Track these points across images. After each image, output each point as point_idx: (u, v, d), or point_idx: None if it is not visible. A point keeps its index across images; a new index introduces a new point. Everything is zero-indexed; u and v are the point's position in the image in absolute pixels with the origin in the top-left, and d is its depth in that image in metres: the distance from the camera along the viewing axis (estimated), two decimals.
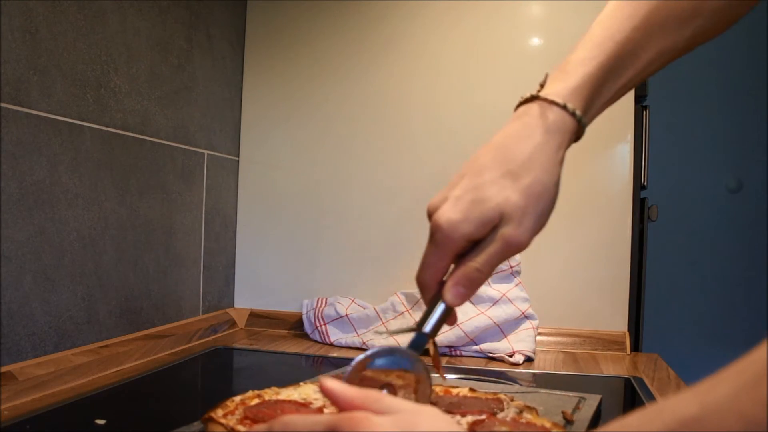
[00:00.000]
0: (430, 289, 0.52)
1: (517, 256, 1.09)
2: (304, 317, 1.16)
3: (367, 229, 1.21)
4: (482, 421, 0.53)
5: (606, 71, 0.52)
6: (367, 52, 1.21)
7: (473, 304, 1.07)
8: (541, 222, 0.50)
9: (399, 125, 1.20)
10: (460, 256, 0.51)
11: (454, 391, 0.65)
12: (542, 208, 0.50)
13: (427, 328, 0.51)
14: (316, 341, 1.12)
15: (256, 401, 0.59)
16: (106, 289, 0.89)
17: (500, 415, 0.56)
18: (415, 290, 1.12)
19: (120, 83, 0.91)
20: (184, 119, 1.07)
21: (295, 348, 1.06)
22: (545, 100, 0.51)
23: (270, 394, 0.61)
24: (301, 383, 0.66)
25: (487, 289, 1.07)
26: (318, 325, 1.12)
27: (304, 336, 1.16)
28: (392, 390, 0.49)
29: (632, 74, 0.54)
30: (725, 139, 2.28)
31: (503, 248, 0.49)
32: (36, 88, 0.75)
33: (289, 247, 1.24)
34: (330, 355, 1.03)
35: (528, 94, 0.53)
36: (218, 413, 0.55)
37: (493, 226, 0.49)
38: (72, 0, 0.81)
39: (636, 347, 1.11)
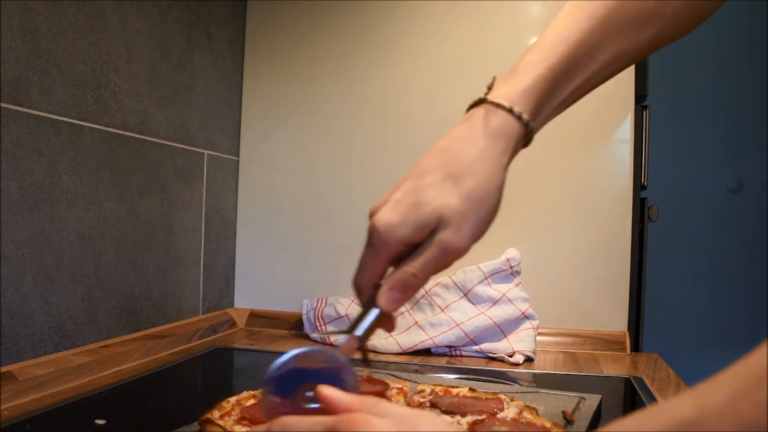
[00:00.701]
0: (366, 292, 0.51)
1: (518, 256, 1.09)
2: (304, 317, 1.16)
3: (367, 228, 1.21)
4: (482, 421, 0.53)
5: (558, 73, 0.50)
6: (368, 52, 1.21)
7: (473, 304, 1.07)
8: (481, 228, 0.49)
9: (399, 125, 1.20)
10: (398, 260, 0.49)
11: (454, 390, 0.65)
12: (483, 214, 0.48)
13: (359, 331, 0.49)
14: (316, 341, 1.12)
15: (252, 402, 0.59)
16: (106, 289, 0.89)
17: (500, 415, 0.56)
18: None
19: (120, 83, 0.91)
20: (184, 119, 1.07)
21: (295, 348, 1.06)
22: (491, 103, 0.49)
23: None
24: None
25: (487, 289, 1.07)
26: (318, 325, 1.12)
27: (304, 336, 1.16)
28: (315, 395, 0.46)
29: (587, 76, 0.53)
30: (725, 139, 2.28)
31: (440, 253, 0.47)
32: (36, 88, 0.75)
33: (289, 247, 1.24)
34: None
35: (478, 97, 0.51)
36: (215, 414, 0.55)
37: (431, 230, 0.47)
38: (72, 0, 0.81)
39: (636, 347, 1.11)
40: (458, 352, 1.04)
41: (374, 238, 0.49)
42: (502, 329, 1.03)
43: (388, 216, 0.48)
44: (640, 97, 1.12)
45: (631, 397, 0.82)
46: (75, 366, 0.80)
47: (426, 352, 1.04)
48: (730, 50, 2.26)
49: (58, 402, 0.69)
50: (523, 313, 1.04)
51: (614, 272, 1.10)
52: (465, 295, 1.08)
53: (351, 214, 1.22)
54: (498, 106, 0.49)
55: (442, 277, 1.11)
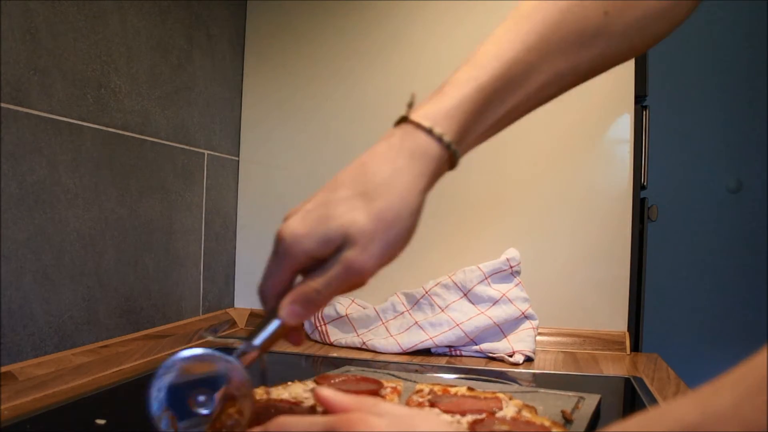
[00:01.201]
0: (269, 301, 0.49)
1: (518, 256, 1.09)
2: None
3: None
4: (482, 420, 0.54)
5: (488, 93, 0.47)
6: (368, 52, 1.21)
7: (473, 304, 1.07)
8: (389, 252, 0.47)
9: None
10: (307, 272, 0.47)
11: (453, 390, 0.65)
12: (392, 236, 0.46)
13: (258, 341, 0.47)
14: (316, 341, 1.12)
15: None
16: (106, 289, 0.89)
17: (499, 414, 0.56)
18: (415, 290, 1.12)
19: (120, 83, 0.91)
20: (184, 119, 1.07)
21: (294, 348, 1.06)
22: (411, 122, 0.47)
23: (260, 393, 0.62)
24: (289, 382, 0.67)
25: (487, 289, 1.07)
26: (318, 325, 1.12)
27: (304, 336, 1.16)
28: (206, 399, 0.45)
29: (522, 98, 0.49)
30: (725, 139, 2.28)
31: (344, 272, 0.45)
32: (36, 88, 0.75)
33: None
34: (330, 355, 1.03)
35: (403, 114, 0.48)
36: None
37: (336, 246, 0.45)
38: (72, 0, 0.81)
39: (636, 347, 1.11)
40: (458, 352, 1.04)
41: (280, 246, 0.48)
42: (502, 329, 1.03)
43: (294, 226, 0.47)
44: (640, 98, 1.12)
45: (630, 397, 0.82)
46: (75, 366, 0.80)
47: (426, 352, 1.04)
48: (730, 50, 2.26)
49: (58, 402, 0.69)
50: (523, 313, 1.04)
51: (614, 272, 1.10)
52: (465, 295, 1.08)
53: None
54: (418, 126, 0.47)
55: (442, 277, 1.11)
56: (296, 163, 1.25)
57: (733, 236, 2.24)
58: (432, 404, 0.59)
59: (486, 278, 1.08)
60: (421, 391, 0.65)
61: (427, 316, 1.08)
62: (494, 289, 1.07)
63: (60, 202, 0.80)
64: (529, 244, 1.13)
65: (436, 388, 0.65)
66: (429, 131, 0.46)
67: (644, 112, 1.13)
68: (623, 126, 1.11)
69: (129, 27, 0.92)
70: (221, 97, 1.20)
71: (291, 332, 0.49)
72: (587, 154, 1.12)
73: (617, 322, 1.10)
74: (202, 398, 0.43)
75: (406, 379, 0.76)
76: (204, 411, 0.43)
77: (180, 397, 0.43)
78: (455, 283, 1.09)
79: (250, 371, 0.47)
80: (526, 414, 0.56)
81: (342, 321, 1.12)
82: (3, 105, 0.70)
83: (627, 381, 0.88)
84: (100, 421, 0.62)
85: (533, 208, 1.14)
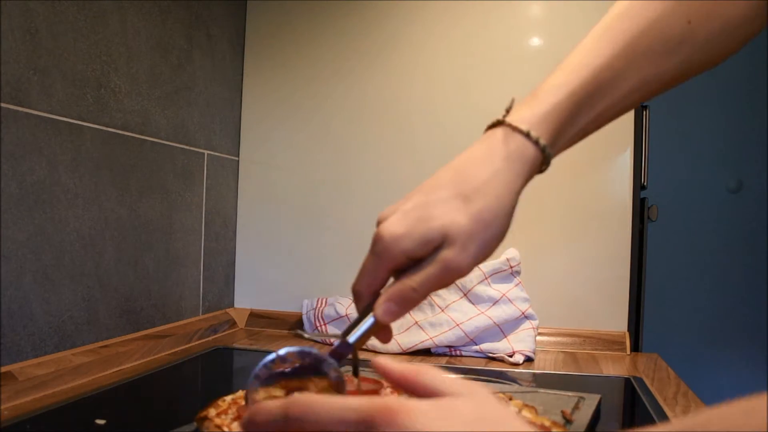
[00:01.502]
0: (364, 299, 0.50)
1: (518, 256, 1.09)
2: (304, 317, 1.16)
3: (367, 229, 1.20)
4: None
5: (579, 99, 0.50)
6: (367, 52, 1.21)
7: (473, 304, 1.07)
8: (485, 251, 0.48)
9: (399, 125, 1.20)
10: (400, 272, 0.49)
11: None
12: (489, 236, 0.47)
13: (352, 338, 0.49)
14: (316, 341, 1.12)
15: None
16: (106, 289, 0.89)
17: None
18: None
19: (120, 83, 0.91)
20: (184, 119, 1.07)
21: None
22: (509, 125, 0.49)
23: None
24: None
25: (487, 289, 1.07)
26: (318, 325, 1.12)
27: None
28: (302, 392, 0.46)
29: (610, 103, 0.51)
30: (725, 139, 2.28)
31: (442, 271, 0.46)
32: (36, 88, 0.75)
33: (289, 247, 1.24)
34: None
35: (499, 117, 0.50)
36: (211, 413, 0.55)
37: (434, 246, 0.47)
38: (72, 0, 0.81)
39: (636, 347, 1.11)
40: (458, 352, 1.04)
41: (378, 246, 0.48)
42: (502, 329, 1.03)
43: (394, 227, 0.48)
44: None
45: (631, 397, 0.82)
46: (75, 366, 0.80)
47: (426, 352, 1.04)
48: None
49: (58, 402, 0.69)
50: (523, 313, 1.04)
51: (614, 272, 1.10)
52: (465, 295, 1.08)
53: (351, 214, 1.22)
54: (515, 129, 0.48)
55: None
56: (296, 162, 1.25)
57: (733, 236, 2.24)
58: None
59: (486, 278, 1.08)
60: None
61: (427, 316, 1.08)
62: (494, 289, 1.07)
63: (60, 202, 0.80)
64: (529, 244, 1.13)
65: None
66: (527, 135, 0.48)
67: (644, 113, 1.13)
68: (623, 126, 1.11)
69: (129, 27, 0.92)
70: (221, 97, 1.20)
71: (381, 330, 0.50)
72: (587, 154, 1.12)
73: (617, 322, 1.10)
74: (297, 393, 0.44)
75: None
76: None
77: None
78: (455, 283, 1.09)
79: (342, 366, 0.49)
80: (527, 414, 0.56)
81: (342, 321, 1.12)
82: (3, 105, 0.70)
83: (627, 381, 0.88)
84: (100, 421, 0.62)
85: (533, 208, 1.14)
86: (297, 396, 0.33)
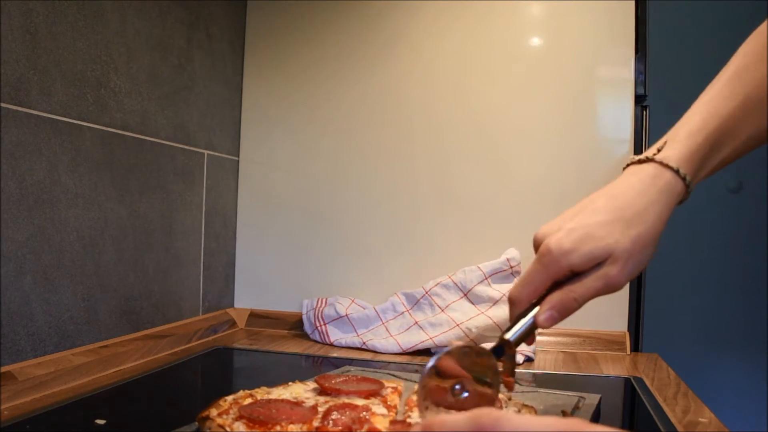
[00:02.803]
0: (522, 305, 0.56)
1: (518, 256, 1.09)
2: (304, 317, 1.16)
3: (367, 229, 1.21)
4: None
5: (711, 144, 0.57)
6: (367, 52, 1.22)
7: (473, 304, 1.07)
8: (638, 270, 0.54)
9: (399, 125, 1.20)
10: (554, 285, 0.55)
11: None
12: (644, 257, 0.54)
13: (512, 337, 0.55)
14: (316, 341, 1.12)
15: (248, 400, 0.59)
16: (106, 289, 0.89)
17: None
18: (415, 290, 1.12)
19: (120, 83, 0.91)
20: (184, 119, 1.07)
21: (295, 348, 1.06)
22: (660, 163, 0.56)
23: (261, 393, 0.62)
24: (290, 383, 0.67)
25: (487, 289, 1.07)
26: (318, 325, 1.12)
27: (304, 336, 1.16)
28: (463, 386, 0.52)
29: (735, 146, 0.58)
30: None
31: (603, 286, 0.53)
32: (36, 88, 0.75)
33: (290, 247, 1.24)
34: (330, 355, 1.03)
35: (643, 156, 0.58)
36: (213, 412, 0.55)
37: (597, 263, 0.53)
38: (72, 0, 0.81)
39: (636, 347, 1.11)
40: None
41: (546, 258, 0.55)
42: (502, 329, 1.03)
43: (562, 242, 0.54)
44: (640, 97, 1.12)
45: (631, 397, 0.82)
46: (75, 366, 0.80)
47: (426, 352, 1.04)
48: (730, 50, 2.25)
49: (58, 402, 0.69)
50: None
51: None
52: (465, 295, 1.08)
53: (351, 214, 1.22)
54: (666, 166, 0.56)
55: (442, 277, 1.11)
56: (296, 162, 1.25)
57: (733, 236, 2.24)
58: (435, 405, 0.59)
59: (486, 278, 1.08)
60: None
61: (427, 316, 1.08)
62: (494, 289, 1.07)
63: (60, 202, 0.80)
64: (529, 244, 1.12)
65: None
66: (676, 171, 0.56)
67: (644, 112, 1.13)
68: (623, 126, 1.11)
69: (129, 27, 0.92)
70: (221, 97, 1.20)
71: (530, 335, 0.57)
72: (587, 154, 1.12)
73: (617, 322, 1.10)
74: (458, 386, 0.51)
75: (406, 379, 0.76)
76: (464, 395, 0.51)
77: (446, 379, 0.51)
78: (455, 283, 1.09)
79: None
80: (526, 414, 0.56)
81: (342, 321, 1.12)
82: (3, 105, 0.70)
83: (627, 381, 0.88)
84: (100, 421, 0.62)
85: (534, 208, 1.14)
86: (485, 410, 0.35)
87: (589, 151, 1.12)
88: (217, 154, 1.18)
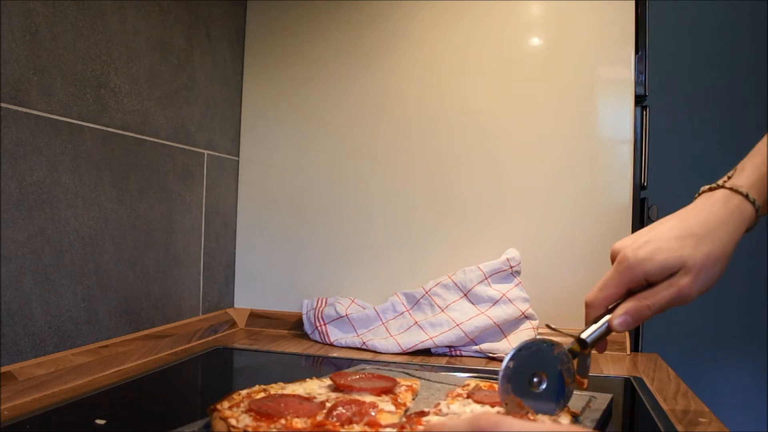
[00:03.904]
0: (598, 310, 0.61)
1: (518, 256, 1.09)
2: (304, 317, 1.16)
3: (367, 229, 1.21)
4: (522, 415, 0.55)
5: None
6: (367, 52, 1.22)
7: (473, 304, 1.07)
8: (709, 284, 0.58)
9: (399, 124, 1.20)
10: (631, 293, 0.59)
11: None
12: (715, 273, 0.58)
13: (590, 338, 0.59)
14: (316, 341, 1.12)
15: (261, 395, 0.60)
16: (106, 289, 0.89)
17: None
18: (415, 290, 1.12)
19: (120, 83, 0.91)
20: (184, 119, 1.07)
21: (295, 348, 1.06)
22: (731, 189, 0.62)
23: (276, 389, 0.63)
24: (307, 379, 0.68)
25: (487, 289, 1.07)
26: (318, 325, 1.12)
27: (304, 336, 1.16)
28: (542, 378, 0.56)
29: None
30: (725, 139, 2.28)
31: (675, 295, 0.57)
32: (36, 88, 0.75)
33: (290, 247, 1.24)
34: (330, 355, 1.03)
35: (714, 184, 0.63)
36: (224, 405, 0.56)
37: (670, 273, 0.58)
38: (72, 0, 0.81)
39: (636, 347, 1.11)
40: (458, 352, 1.04)
41: (622, 265, 0.59)
42: (502, 329, 1.03)
43: (639, 252, 0.58)
44: (640, 97, 1.12)
45: (631, 397, 0.82)
46: (75, 366, 0.80)
47: (426, 352, 1.04)
48: (730, 50, 2.26)
49: (58, 402, 0.69)
50: (523, 313, 1.04)
51: None
52: (465, 295, 1.08)
53: (351, 214, 1.22)
54: (736, 191, 0.61)
55: (442, 277, 1.11)
56: (296, 162, 1.25)
57: None
58: (468, 395, 0.64)
59: (486, 278, 1.08)
60: (467, 385, 0.69)
61: (427, 316, 1.08)
62: (494, 289, 1.07)
63: (60, 202, 0.80)
64: (529, 244, 1.13)
65: (481, 384, 0.69)
66: (746, 196, 0.61)
67: (644, 112, 1.13)
68: (623, 126, 1.11)
69: (129, 27, 0.92)
70: (221, 97, 1.20)
71: (603, 340, 0.61)
72: (587, 154, 1.12)
73: None
74: (536, 379, 0.56)
75: (421, 378, 0.76)
76: (542, 387, 0.56)
77: (521, 374, 0.56)
78: (455, 283, 1.09)
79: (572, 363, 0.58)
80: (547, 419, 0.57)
81: (342, 321, 1.12)
82: (3, 105, 0.70)
83: (627, 381, 0.88)
84: (100, 421, 0.62)
85: (533, 208, 1.14)
86: (484, 413, 0.39)
87: (589, 150, 1.12)
88: (217, 154, 1.18)
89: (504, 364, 0.55)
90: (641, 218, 1.12)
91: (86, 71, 0.84)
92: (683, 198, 0.69)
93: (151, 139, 0.98)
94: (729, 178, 0.64)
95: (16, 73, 0.72)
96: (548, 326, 0.74)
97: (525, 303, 1.05)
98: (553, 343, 0.57)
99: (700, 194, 0.64)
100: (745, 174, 0.63)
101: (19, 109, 0.73)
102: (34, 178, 0.75)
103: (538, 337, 0.56)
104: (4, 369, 0.70)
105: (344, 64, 1.22)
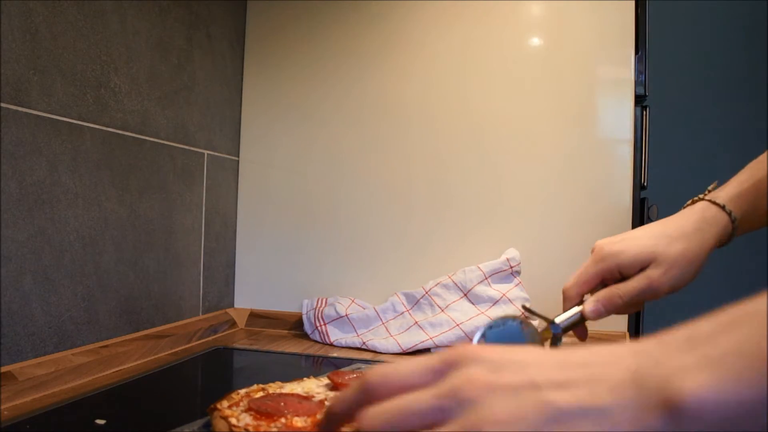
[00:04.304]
0: (573, 300, 0.66)
1: (518, 256, 1.09)
2: (304, 317, 1.16)
3: (367, 229, 1.21)
4: None
5: (757, 190, 0.67)
6: (367, 52, 1.22)
7: (473, 304, 1.07)
8: (681, 282, 0.62)
9: (399, 124, 1.20)
10: (602, 286, 0.64)
11: None
12: (685, 273, 0.62)
13: (561, 321, 0.63)
14: (316, 341, 1.12)
15: (260, 394, 0.60)
16: (106, 289, 0.89)
17: None
18: (415, 290, 1.12)
19: (120, 83, 0.91)
20: (184, 119, 1.07)
21: (295, 348, 1.06)
22: (709, 201, 0.67)
23: (274, 388, 0.63)
24: (304, 378, 0.68)
25: (487, 289, 1.07)
26: (318, 325, 1.12)
27: (304, 336, 1.16)
28: None
29: None
30: (725, 139, 2.28)
31: (645, 286, 0.61)
32: (36, 88, 0.75)
33: (289, 247, 1.24)
34: (330, 355, 1.03)
35: (696, 198, 0.68)
36: (223, 404, 0.57)
37: (642, 266, 0.62)
38: (72, 0, 0.81)
39: None
40: None
41: (598, 256, 0.65)
42: None
43: (614, 245, 0.64)
44: (640, 97, 1.12)
45: None
46: (75, 366, 0.80)
47: (426, 352, 1.04)
48: (730, 50, 2.26)
49: (58, 402, 0.69)
50: (523, 313, 1.04)
51: None
52: (465, 295, 1.08)
53: (351, 214, 1.22)
54: (713, 203, 0.66)
55: (442, 277, 1.11)
56: (296, 162, 1.25)
57: None
58: None
59: (486, 278, 1.08)
60: None
61: (427, 316, 1.08)
62: (494, 289, 1.07)
63: (60, 202, 0.80)
64: (529, 244, 1.13)
65: None
66: (722, 207, 0.66)
67: (644, 112, 1.13)
68: (623, 126, 1.11)
69: (129, 27, 0.92)
70: (221, 97, 1.20)
71: (580, 328, 0.66)
72: (587, 154, 1.12)
73: (617, 322, 1.10)
74: None
75: None
76: None
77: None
78: (455, 283, 1.09)
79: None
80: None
81: (342, 321, 1.12)
82: (3, 105, 0.70)
83: None
84: (100, 421, 0.62)
85: (533, 208, 1.14)
86: (369, 371, 0.34)
87: (588, 151, 1.12)
88: (217, 154, 1.18)
89: (474, 341, 0.55)
90: (641, 218, 1.12)
91: (86, 71, 0.84)
92: (683, 198, 0.69)
93: (151, 139, 0.98)
94: (709, 191, 0.69)
95: (16, 73, 0.72)
96: (524, 307, 0.76)
97: (525, 303, 1.05)
98: (521, 321, 0.58)
99: (685, 206, 0.69)
100: (726, 188, 0.68)
101: (19, 109, 0.73)
102: (34, 178, 0.75)
103: (509, 314, 0.56)
104: (4, 369, 0.70)
105: (344, 63, 1.22)
